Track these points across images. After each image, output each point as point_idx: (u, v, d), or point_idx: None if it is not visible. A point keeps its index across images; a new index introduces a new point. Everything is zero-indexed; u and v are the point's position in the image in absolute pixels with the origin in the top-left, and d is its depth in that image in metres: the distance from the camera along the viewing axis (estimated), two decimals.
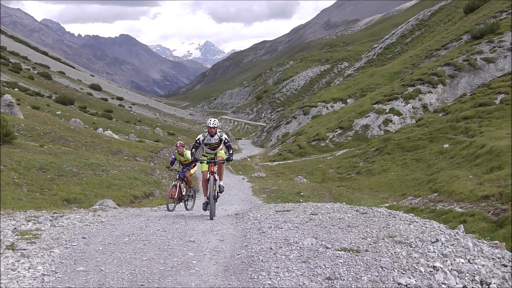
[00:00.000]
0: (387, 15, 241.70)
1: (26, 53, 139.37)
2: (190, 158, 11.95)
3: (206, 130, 11.44)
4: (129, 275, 5.68)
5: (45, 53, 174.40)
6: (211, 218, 10.64)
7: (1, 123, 21.03)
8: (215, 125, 11.23)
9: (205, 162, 11.28)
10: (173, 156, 14.61)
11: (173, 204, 13.90)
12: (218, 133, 11.31)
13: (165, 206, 14.24)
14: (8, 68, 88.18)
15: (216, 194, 11.23)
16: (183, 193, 14.32)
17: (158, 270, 5.93)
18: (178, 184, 14.11)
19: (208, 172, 11.18)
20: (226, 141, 11.37)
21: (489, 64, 44.58)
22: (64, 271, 5.77)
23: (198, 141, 11.27)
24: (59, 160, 20.79)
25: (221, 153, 11.61)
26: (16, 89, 62.89)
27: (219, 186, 11.47)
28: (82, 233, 8.14)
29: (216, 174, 11.30)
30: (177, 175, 14.46)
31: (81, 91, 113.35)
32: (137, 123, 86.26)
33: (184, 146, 14.51)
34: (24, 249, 6.55)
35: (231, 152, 11.22)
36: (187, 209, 14.45)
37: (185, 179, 14.38)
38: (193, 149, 11.32)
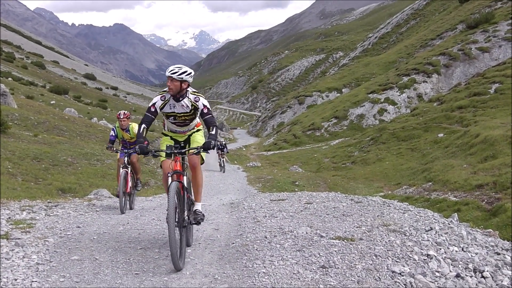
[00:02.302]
0: (382, 4, 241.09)
1: (20, 42, 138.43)
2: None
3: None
4: (123, 264, 5.69)
5: (39, 43, 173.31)
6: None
7: None
8: (180, 76, 5.92)
9: (167, 151, 6.03)
10: (112, 132, 10.64)
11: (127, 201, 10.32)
12: (190, 95, 6.19)
13: (160, 195, 14.08)
14: (2, 58, 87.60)
15: (187, 223, 5.99)
16: (129, 186, 10.34)
17: (153, 259, 5.93)
18: (129, 172, 10.40)
19: (170, 174, 5.96)
20: (205, 110, 6.17)
21: (484, 53, 44.64)
22: (59, 260, 5.77)
23: (152, 109, 6.15)
24: (53, 149, 20.73)
25: (198, 135, 6.68)
26: (9, 79, 62.56)
27: (195, 212, 6.42)
28: (77, 222, 8.14)
29: (185, 179, 6.10)
30: (122, 159, 10.40)
31: (75, 81, 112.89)
32: (132, 113, 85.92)
33: (129, 118, 10.64)
34: (19, 239, 6.54)
35: (213, 132, 5.99)
36: (131, 207, 10.43)
37: (129, 165, 10.43)
38: (142, 124, 6.12)
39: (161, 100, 6.20)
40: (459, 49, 46.57)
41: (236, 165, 31.65)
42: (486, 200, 11.87)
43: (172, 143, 6.51)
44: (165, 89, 6.20)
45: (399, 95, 45.78)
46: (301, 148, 42.97)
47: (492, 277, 4.97)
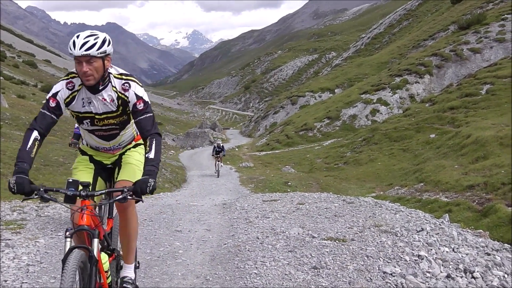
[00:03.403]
0: (375, 4, 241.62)
1: (11, 41, 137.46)
2: None
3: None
4: None
5: (31, 41, 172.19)
6: None
7: None
8: (102, 49, 3.47)
9: (67, 191, 3.29)
10: (77, 126, 7.04)
11: None
12: (115, 81, 3.71)
13: (152, 196, 13.96)
14: None
15: None
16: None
17: (145, 259, 5.92)
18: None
19: (69, 233, 3.27)
20: (139, 105, 3.64)
21: (476, 54, 44.79)
22: (49, 261, 5.74)
23: (51, 103, 3.73)
24: (44, 149, 20.61)
25: (134, 156, 4.09)
26: (0, 78, 62.11)
27: (124, 281, 3.96)
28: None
29: (96, 242, 3.27)
30: None
31: None
32: None
33: None
34: (9, 239, 6.51)
35: (152, 155, 3.43)
36: None
37: None
38: (32, 133, 3.72)
39: (67, 89, 3.69)
40: (451, 50, 46.73)
41: (228, 166, 31.61)
42: (477, 201, 11.94)
43: (90, 170, 3.97)
44: (71, 72, 3.76)
45: (392, 96, 45.88)
46: (294, 148, 42.97)
47: (482, 278, 5.00)
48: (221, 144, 27.23)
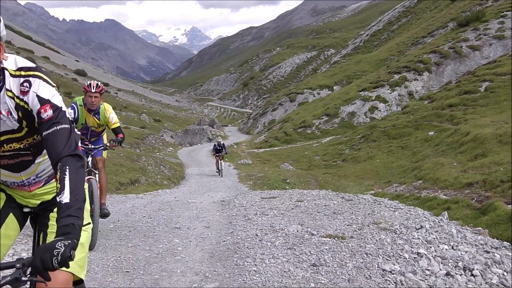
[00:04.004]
0: (374, 1, 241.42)
1: (10, 37, 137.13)
2: (114, 121, 6.91)
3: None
4: (114, 261, 5.67)
5: (29, 38, 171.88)
6: None
7: None
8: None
9: None
10: (72, 111, 6.59)
11: None
12: (11, 80, 2.31)
13: (150, 192, 13.97)
14: None
15: None
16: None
17: (144, 256, 5.92)
18: (96, 182, 6.67)
19: None
20: (44, 114, 2.28)
21: (475, 51, 44.78)
22: None
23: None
24: None
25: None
26: None
27: None
28: None
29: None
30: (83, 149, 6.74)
31: (66, 77, 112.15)
32: (123, 109, 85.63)
33: (103, 93, 6.77)
34: None
35: (67, 199, 2.05)
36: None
37: (94, 171, 6.75)
38: None
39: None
40: (450, 47, 46.72)
41: (227, 163, 31.62)
42: (475, 199, 11.94)
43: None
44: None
45: (390, 93, 45.87)
46: (292, 145, 42.96)
47: (482, 275, 5.00)
48: (222, 142, 25.59)
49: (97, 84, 6.62)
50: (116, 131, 7.01)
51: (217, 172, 24.06)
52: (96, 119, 6.83)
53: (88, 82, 6.62)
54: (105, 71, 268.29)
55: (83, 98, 6.71)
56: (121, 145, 6.95)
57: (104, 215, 6.96)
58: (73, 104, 6.69)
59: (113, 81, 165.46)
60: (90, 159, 6.67)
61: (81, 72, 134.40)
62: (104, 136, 7.33)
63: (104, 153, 7.07)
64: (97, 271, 5.29)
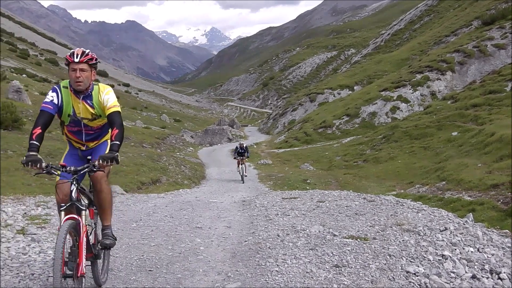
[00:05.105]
0: (394, 0, 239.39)
1: (34, 39, 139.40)
2: (110, 104, 4.58)
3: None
4: (137, 260, 5.70)
5: (52, 39, 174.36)
6: None
7: (0, 108, 21.02)
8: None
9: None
10: (53, 94, 4.53)
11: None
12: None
13: (171, 192, 13.99)
14: (16, 54, 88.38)
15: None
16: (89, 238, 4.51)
17: (166, 256, 5.94)
18: (82, 225, 4.19)
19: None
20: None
21: (500, 50, 44.15)
22: None
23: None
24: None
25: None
26: (24, 75, 62.97)
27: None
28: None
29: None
30: (65, 186, 4.39)
31: None
32: (144, 110, 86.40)
33: (93, 64, 4.59)
34: (35, 234, 6.61)
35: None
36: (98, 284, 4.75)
37: (90, 190, 4.84)
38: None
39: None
40: (474, 46, 46.14)
41: (247, 163, 31.71)
42: (501, 200, 11.76)
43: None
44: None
45: (412, 93, 45.48)
46: (312, 146, 42.85)
47: (509, 279, 4.91)
48: (244, 145, 23.48)
49: (84, 52, 4.46)
50: (112, 119, 4.46)
51: (239, 174, 21.93)
52: (88, 106, 4.59)
53: (72, 51, 4.51)
54: (126, 71, 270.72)
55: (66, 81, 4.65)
56: (116, 162, 4.14)
57: (105, 246, 4.73)
58: (55, 87, 4.63)
59: (134, 82, 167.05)
60: (73, 188, 4.21)
61: (103, 73, 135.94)
62: (107, 136, 4.85)
63: (105, 168, 4.33)
64: (120, 269, 5.33)
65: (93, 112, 4.60)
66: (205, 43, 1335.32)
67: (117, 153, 4.18)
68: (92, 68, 4.56)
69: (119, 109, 4.58)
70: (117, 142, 4.27)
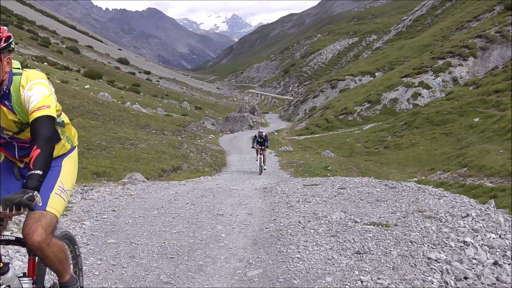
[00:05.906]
0: None
1: (55, 27, 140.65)
2: (34, 105, 2.77)
3: None
4: (159, 247, 5.77)
5: (73, 27, 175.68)
6: None
7: None
8: None
9: None
10: None
11: None
12: None
13: (192, 179, 14.07)
14: (37, 43, 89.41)
15: None
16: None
17: (188, 243, 6.00)
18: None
19: None
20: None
21: None
22: (95, 243, 5.88)
23: None
24: (88, 134, 21.08)
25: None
26: (45, 63, 63.67)
27: None
28: (112, 206, 8.27)
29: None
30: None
31: (108, 65, 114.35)
32: (165, 97, 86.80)
33: (11, 49, 2.85)
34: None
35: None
36: None
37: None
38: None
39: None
40: (496, 31, 45.28)
41: (268, 150, 31.74)
42: None
43: None
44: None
45: (434, 79, 44.89)
46: (333, 132, 42.68)
47: None
48: (264, 133, 20.87)
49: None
50: (34, 131, 2.73)
51: (258, 164, 19.72)
52: (7, 110, 2.94)
53: None
54: (147, 59, 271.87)
55: None
56: (30, 208, 2.40)
57: None
58: None
59: (155, 69, 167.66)
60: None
61: (124, 61, 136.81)
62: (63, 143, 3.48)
63: (55, 199, 2.93)
64: (142, 256, 5.40)
65: (16, 119, 2.95)
66: (226, 30, 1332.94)
67: (33, 193, 2.42)
68: (5, 53, 2.83)
69: (49, 112, 2.80)
70: (38, 172, 2.52)
